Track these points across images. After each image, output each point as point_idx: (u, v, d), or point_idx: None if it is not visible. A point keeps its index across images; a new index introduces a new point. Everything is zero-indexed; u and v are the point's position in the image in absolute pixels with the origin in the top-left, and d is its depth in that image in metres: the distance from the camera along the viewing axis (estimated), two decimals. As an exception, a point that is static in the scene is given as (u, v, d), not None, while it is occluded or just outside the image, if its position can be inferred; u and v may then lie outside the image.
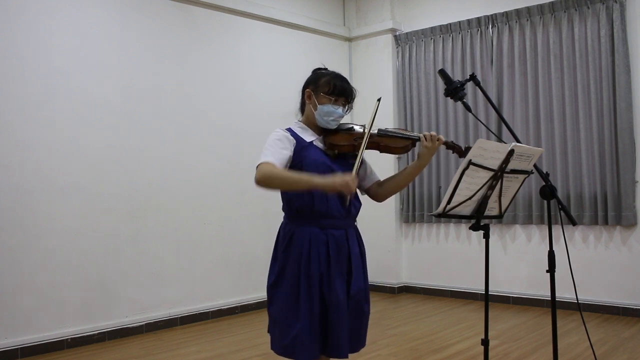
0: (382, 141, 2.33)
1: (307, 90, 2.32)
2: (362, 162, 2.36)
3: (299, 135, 2.28)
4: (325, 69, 2.39)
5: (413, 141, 2.36)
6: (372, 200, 2.49)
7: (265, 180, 2.11)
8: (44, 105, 4.31)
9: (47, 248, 4.28)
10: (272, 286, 2.27)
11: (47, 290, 4.27)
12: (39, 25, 4.30)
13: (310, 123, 2.33)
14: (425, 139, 2.29)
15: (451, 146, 2.38)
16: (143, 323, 4.80)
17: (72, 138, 4.45)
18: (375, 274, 6.35)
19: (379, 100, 2.33)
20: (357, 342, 2.31)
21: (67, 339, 4.36)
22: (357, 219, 2.41)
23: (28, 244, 4.19)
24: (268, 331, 2.32)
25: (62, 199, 4.38)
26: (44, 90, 4.31)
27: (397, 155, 6.08)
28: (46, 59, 4.33)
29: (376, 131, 2.32)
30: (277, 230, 2.37)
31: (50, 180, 4.32)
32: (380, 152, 2.37)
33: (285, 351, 2.20)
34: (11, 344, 4.08)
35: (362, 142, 2.23)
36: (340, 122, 2.33)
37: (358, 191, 2.33)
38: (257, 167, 2.15)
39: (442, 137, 2.33)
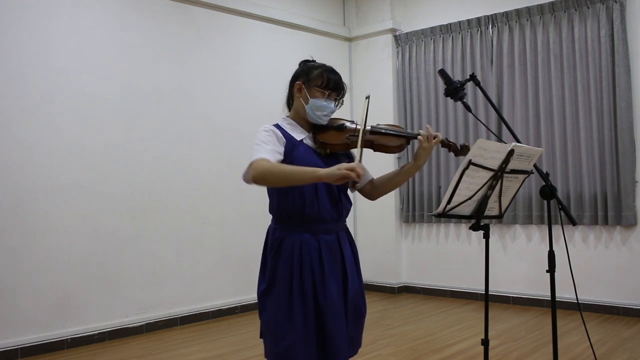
0: (377, 139, 2.22)
1: (298, 82, 2.18)
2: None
3: (288, 133, 2.15)
4: (314, 60, 2.27)
5: (408, 139, 2.27)
6: (371, 201, 2.40)
7: (263, 177, 1.99)
8: (44, 105, 4.31)
9: (47, 248, 4.29)
10: (263, 294, 2.16)
11: (47, 290, 4.27)
12: (39, 25, 4.30)
13: (300, 118, 2.20)
14: (423, 138, 2.20)
15: (447, 144, 2.30)
16: (143, 323, 4.81)
17: (72, 138, 4.45)
18: (375, 274, 6.35)
19: (367, 97, 2.21)
20: (356, 344, 2.26)
21: (67, 339, 4.36)
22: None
23: (28, 244, 4.19)
24: (261, 337, 2.23)
25: (62, 199, 4.38)
26: (44, 90, 4.32)
27: (396, 155, 6.07)
28: (46, 59, 4.33)
29: (369, 128, 2.21)
30: (265, 233, 2.24)
31: (50, 180, 4.32)
32: (374, 151, 2.26)
33: (279, 359, 2.11)
34: (11, 344, 4.08)
35: (355, 140, 2.13)
36: (331, 118, 2.23)
37: (348, 190, 2.21)
38: (250, 164, 2.03)
39: (440, 135, 2.24)
